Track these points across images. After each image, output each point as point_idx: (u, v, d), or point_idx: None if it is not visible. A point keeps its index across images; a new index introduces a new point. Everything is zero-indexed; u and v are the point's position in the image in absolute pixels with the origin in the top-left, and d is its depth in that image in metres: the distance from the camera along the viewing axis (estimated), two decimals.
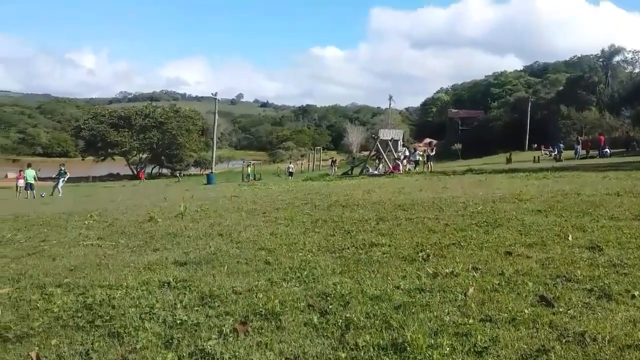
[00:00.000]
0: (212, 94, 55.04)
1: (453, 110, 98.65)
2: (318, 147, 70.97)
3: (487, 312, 3.39)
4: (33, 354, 2.95)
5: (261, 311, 3.59)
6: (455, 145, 70.15)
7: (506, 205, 8.19)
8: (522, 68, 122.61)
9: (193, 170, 79.69)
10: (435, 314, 3.41)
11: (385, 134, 32.85)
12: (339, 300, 3.77)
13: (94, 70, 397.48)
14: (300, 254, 5.44)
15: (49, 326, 3.41)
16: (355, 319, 3.37)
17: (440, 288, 3.97)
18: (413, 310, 3.50)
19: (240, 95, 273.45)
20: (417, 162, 30.93)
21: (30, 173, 26.30)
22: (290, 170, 47.41)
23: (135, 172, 75.46)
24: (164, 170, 78.72)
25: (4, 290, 4.33)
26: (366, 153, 38.13)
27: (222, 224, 7.92)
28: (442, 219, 7.24)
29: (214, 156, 53.68)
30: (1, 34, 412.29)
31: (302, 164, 66.04)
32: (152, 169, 79.90)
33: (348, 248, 5.64)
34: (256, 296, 3.92)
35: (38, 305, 3.86)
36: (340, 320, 3.36)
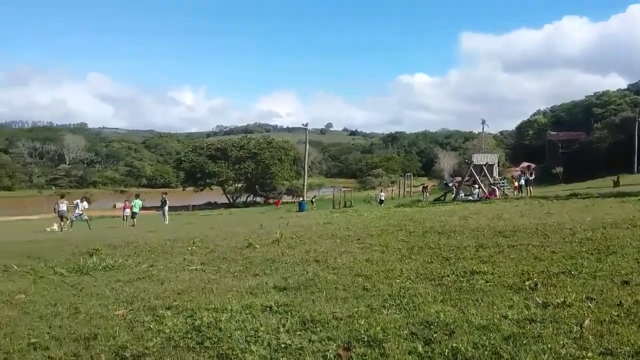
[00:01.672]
0: (302, 124, 56.51)
1: (552, 133, 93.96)
2: (408, 174, 70.07)
3: (606, 345, 3.15)
4: None
5: (363, 337, 3.56)
6: (556, 168, 66.59)
7: (619, 232, 7.62)
8: (626, 87, 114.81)
9: (286, 198, 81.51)
10: (549, 346, 3.22)
11: (480, 159, 31.86)
12: (443, 329, 3.66)
13: (193, 107, 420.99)
14: (398, 281, 5.36)
15: (162, 346, 3.58)
16: (462, 349, 3.25)
17: (553, 319, 3.74)
18: (524, 342, 3.32)
19: (329, 125, 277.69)
20: (520, 187, 29.42)
21: (137, 203, 28.09)
22: (381, 197, 47.05)
23: (231, 201, 78.50)
24: (258, 199, 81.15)
25: (119, 312, 4.61)
26: (459, 179, 37.13)
27: (317, 250, 8.00)
28: (548, 246, 6.86)
29: (306, 184, 54.64)
30: (110, 77, 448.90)
31: (392, 190, 65.43)
32: (247, 197, 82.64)
33: (448, 276, 5.49)
34: (357, 322, 3.90)
35: (151, 326, 4.07)
36: (447, 350, 3.26)
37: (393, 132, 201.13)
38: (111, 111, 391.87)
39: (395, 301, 4.51)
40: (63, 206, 25.54)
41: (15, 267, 8.02)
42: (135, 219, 27.58)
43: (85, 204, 26.92)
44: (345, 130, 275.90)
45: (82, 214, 26.23)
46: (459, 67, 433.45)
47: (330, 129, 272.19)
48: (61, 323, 4.34)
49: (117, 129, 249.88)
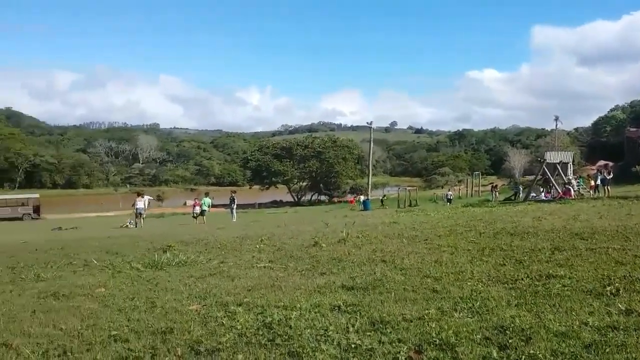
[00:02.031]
0: (367, 122, 56.19)
1: (631, 129, 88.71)
2: (476, 172, 68.27)
3: None
4: None
5: (435, 341, 3.50)
6: (636, 167, 62.92)
7: None
8: None
9: (349, 197, 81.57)
10: (633, 356, 3.04)
11: (553, 157, 30.57)
12: (518, 334, 3.53)
13: (259, 106, 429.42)
14: (469, 284, 5.22)
15: (235, 342, 3.66)
16: (540, 356, 3.12)
17: (637, 327, 3.53)
18: (607, 350, 3.15)
19: (394, 123, 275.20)
20: (597, 186, 27.95)
21: (207, 201, 28.94)
22: (449, 196, 46.17)
23: (296, 200, 79.39)
24: (322, 197, 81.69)
25: (193, 307, 4.75)
26: (531, 177, 35.77)
27: (384, 250, 7.93)
28: (630, 250, 6.49)
29: (370, 183, 54.38)
30: (181, 79, 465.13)
31: (459, 189, 64.01)
32: (312, 195, 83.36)
33: (522, 279, 5.29)
34: (428, 325, 3.83)
35: (223, 322, 4.16)
36: (523, 357, 3.14)
37: (460, 129, 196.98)
38: (181, 112, 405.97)
39: (466, 304, 4.40)
40: (140, 203, 26.66)
41: (95, 262, 8.45)
42: (205, 217, 28.38)
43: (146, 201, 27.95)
44: (410, 128, 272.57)
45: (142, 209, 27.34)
46: (531, 61, 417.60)
47: (395, 127, 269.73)
48: (139, 316, 4.53)
49: (187, 129, 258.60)
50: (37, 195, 62.58)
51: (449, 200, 44.29)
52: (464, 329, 3.70)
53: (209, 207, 29.04)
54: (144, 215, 27.37)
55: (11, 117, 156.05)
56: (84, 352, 3.61)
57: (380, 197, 54.02)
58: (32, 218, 54.68)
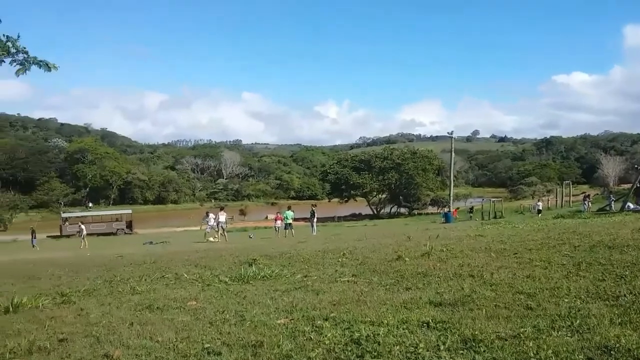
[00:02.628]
0: (447, 132, 55.05)
1: None
2: (567, 182, 64.90)
3: None
4: None
5: None
6: None
7: None
8: None
9: (430, 209, 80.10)
10: None
11: None
12: (625, 355, 3.30)
13: (337, 120, 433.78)
14: (566, 300, 4.93)
15: (324, 357, 3.66)
16: None
17: None
18: None
19: (475, 132, 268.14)
20: None
21: (289, 214, 29.45)
22: (539, 207, 44.25)
23: (375, 212, 78.93)
24: (402, 210, 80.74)
25: (281, 321, 4.81)
26: (627, 186, 33.50)
27: (471, 265, 7.67)
28: None
29: (452, 194, 53.11)
30: (261, 95, 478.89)
31: (548, 200, 61.08)
32: (391, 208, 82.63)
33: (624, 295, 4.93)
34: (524, 344, 3.65)
35: (311, 337, 4.18)
36: None
37: (547, 136, 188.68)
38: (262, 127, 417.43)
39: (565, 322, 4.15)
40: (222, 217, 27.69)
41: (186, 275, 8.79)
42: (292, 230, 28.87)
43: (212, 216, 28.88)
44: (493, 137, 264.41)
45: (214, 225, 28.25)
46: (623, 63, 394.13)
47: (477, 136, 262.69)
48: (229, 330, 4.64)
49: (267, 144, 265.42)
50: (130, 211, 66.43)
51: (539, 211, 42.40)
52: (564, 349, 3.50)
53: (292, 219, 29.53)
54: (208, 229, 28.41)
55: (106, 137, 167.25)
56: None
57: (468, 209, 52.09)
58: (125, 233, 58.03)
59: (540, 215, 37.96)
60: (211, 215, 28.75)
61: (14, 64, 7.61)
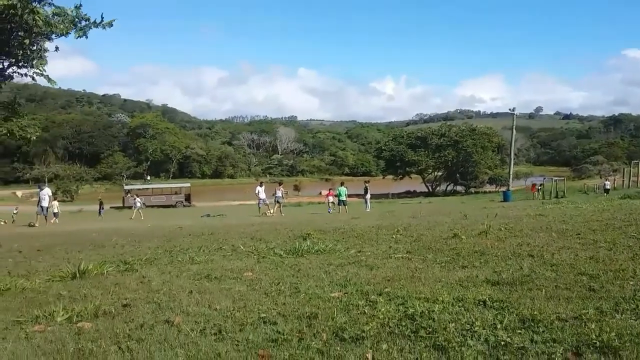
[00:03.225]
0: (509, 109, 53.41)
1: None
2: (635, 161, 61.71)
3: None
4: (369, 355, 3.19)
5: (594, 343, 3.20)
6: None
7: None
8: None
9: (488, 188, 78.28)
10: None
11: None
12: None
13: (393, 96, 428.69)
14: (631, 283, 4.72)
15: (378, 331, 3.66)
16: None
17: None
18: None
19: (539, 109, 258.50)
20: None
21: (343, 190, 29.47)
22: (607, 186, 42.66)
23: (430, 190, 77.88)
24: (458, 188, 79.31)
25: (335, 294, 4.84)
26: None
27: (530, 244, 7.45)
28: None
29: (511, 172, 51.64)
30: (317, 72, 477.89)
31: (614, 180, 58.34)
32: (447, 186, 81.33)
33: None
34: (586, 326, 3.52)
35: (365, 311, 4.18)
36: None
37: (616, 114, 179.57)
38: (317, 103, 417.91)
39: (629, 305, 3.97)
40: (279, 192, 28.19)
41: (242, 247, 8.98)
42: (346, 206, 28.97)
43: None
44: (557, 113, 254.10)
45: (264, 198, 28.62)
46: None
47: (540, 112, 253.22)
48: (284, 301, 4.72)
49: (322, 120, 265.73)
50: (188, 185, 68.42)
51: (606, 191, 40.91)
52: (628, 332, 3.35)
53: (345, 196, 29.55)
54: (261, 205, 28.77)
55: (166, 112, 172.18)
56: (237, 332, 3.84)
57: (538, 185, 49.80)
58: (183, 205, 59.86)
59: (607, 194, 36.50)
60: (260, 189, 29.10)
61: (77, 33, 8.03)
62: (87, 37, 9.02)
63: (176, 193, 63.49)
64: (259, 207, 29.06)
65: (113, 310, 4.66)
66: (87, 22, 8.28)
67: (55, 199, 36.66)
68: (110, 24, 8.50)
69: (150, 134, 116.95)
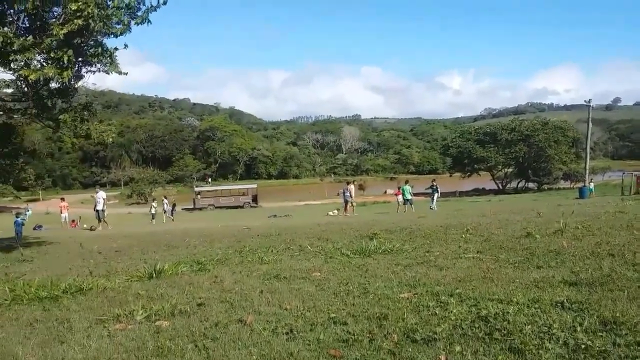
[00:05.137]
0: (584, 101, 50.74)
1: None
2: None
3: None
4: (442, 358, 3.15)
5: None
6: None
7: None
8: None
9: (562, 184, 74.95)
10: None
11: None
12: None
13: (460, 91, 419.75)
14: None
15: (450, 333, 3.60)
16: None
17: None
18: None
19: (617, 99, 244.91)
20: None
21: (407, 189, 29.09)
22: None
23: (500, 187, 75.48)
24: (530, 185, 76.38)
25: (404, 295, 4.79)
26: None
27: (610, 243, 7.08)
28: None
29: (587, 168, 49.25)
30: (381, 69, 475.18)
31: None
32: (518, 183, 78.56)
33: None
34: None
35: (436, 312, 4.12)
36: None
37: None
38: (382, 101, 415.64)
39: None
40: (347, 192, 28.05)
41: (309, 247, 9.07)
42: (412, 205, 28.53)
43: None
44: (637, 104, 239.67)
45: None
46: None
47: (619, 104, 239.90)
48: (354, 301, 4.72)
49: (387, 118, 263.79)
50: (255, 186, 69.66)
51: None
52: None
53: (410, 194, 29.10)
54: (353, 203, 28.51)
55: (233, 115, 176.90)
56: (307, 332, 3.89)
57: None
58: (251, 206, 61.01)
59: None
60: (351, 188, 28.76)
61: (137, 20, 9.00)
62: (150, 23, 9.69)
63: (244, 194, 64.83)
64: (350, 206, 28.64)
65: (188, 309, 4.83)
66: (146, 8, 9.12)
67: (153, 200, 38.04)
68: (165, 2, 9.27)
69: (218, 137, 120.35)
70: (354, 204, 28.25)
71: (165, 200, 38.66)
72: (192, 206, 60.16)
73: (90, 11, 8.94)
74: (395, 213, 26.95)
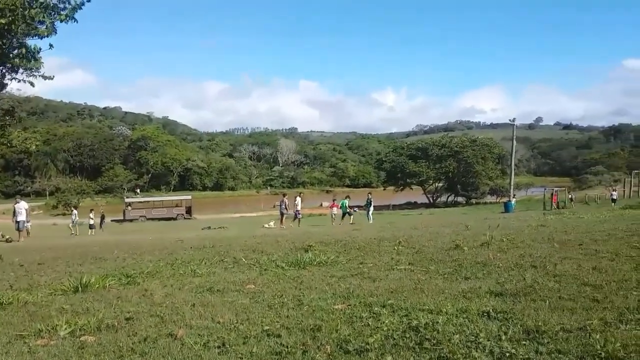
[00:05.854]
0: (509, 120, 53.46)
1: None
2: (636, 171, 61.73)
3: None
4: None
5: (599, 354, 3.20)
6: None
7: None
8: None
9: (489, 199, 78.20)
10: None
11: None
12: None
13: (394, 107, 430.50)
14: (635, 293, 4.71)
15: (382, 343, 3.65)
16: None
17: None
18: None
19: (539, 119, 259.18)
20: None
21: (344, 202, 29.58)
22: (614, 196, 43.03)
23: (431, 201, 77.79)
24: (459, 199, 79.19)
25: (338, 306, 4.83)
26: None
27: (533, 255, 7.44)
28: None
29: (512, 183, 51.64)
30: (318, 83, 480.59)
31: (615, 190, 58.43)
32: (448, 197, 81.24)
33: None
34: (591, 336, 3.51)
35: (369, 322, 4.17)
36: None
37: (616, 124, 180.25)
38: (318, 115, 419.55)
39: (634, 315, 3.97)
40: (283, 205, 28.23)
41: (244, 260, 8.96)
42: (351, 217, 29.01)
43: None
44: (557, 124, 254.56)
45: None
46: None
47: (540, 123, 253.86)
48: (288, 313, 4.71)
49: (323, 131, 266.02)
50: (189, 197, 68.35)
51: (614, 200, 41.35)
52: (633, 342, 3.34)
53: (347, 208, 29.67)
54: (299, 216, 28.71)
55: (167, 125, 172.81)
56: (240, 345, 3.83)
57: (569, 197, 48.99)
58: (184, 218, 59.79)
59: (614, 204, 36.65)
60: (299, 199, 28.94)
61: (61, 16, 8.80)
62: (76, 22, 9.40)
63: (177, 205, 63.46)
64: (298, 219, 28.73)
65: (116, 324, 4.65)
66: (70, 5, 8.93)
67: (91, 211, 36.43)
68: None
69: (151, 147, 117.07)
70: (300, 216, 28.43)
71: (91, 214, 37.12)
72: (122, 218, 58.14)
73: (14, 9, 8.53)
74: (331, 226, 27.19)
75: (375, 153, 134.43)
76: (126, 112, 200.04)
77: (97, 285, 6.72)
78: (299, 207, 28.45)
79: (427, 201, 79.36)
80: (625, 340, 3.40)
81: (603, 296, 4.66)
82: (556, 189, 56.54)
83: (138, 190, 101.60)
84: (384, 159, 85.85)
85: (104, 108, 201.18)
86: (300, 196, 29.69)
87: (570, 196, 48.64)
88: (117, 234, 30.92)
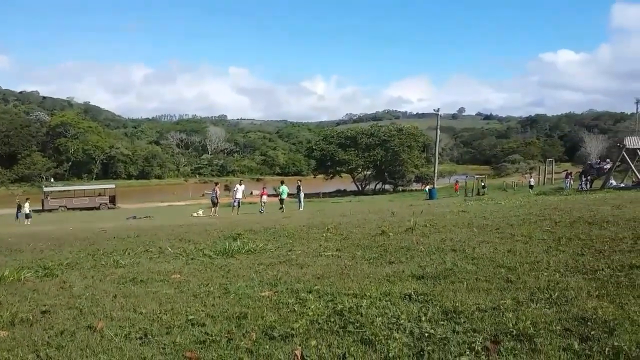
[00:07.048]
0: (434, 110, 55.29)
1: None
2: (550, 159, 65.55)
3: None
4: (298, 352, 3.23)
5: (511, 331, 3.40)
6: None
7: None
8: None
9: (415, 186, 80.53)
10: None
11: (633, 142, 28.89)
12: (601, 326, 3.37)
13: (324, 96, 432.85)
14: (545, 274, 5.02)
15: (307, 328, 3.70)
16: (625, 348, 2.97)
17: None
18: None
19: (461, 109, 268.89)
20: None
21: (284, 189, 29.55)
22: (531, 182, 45.63)
23: (360, 189, 79.15)
24: (387, 186, 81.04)
25: (265, 294, 4.84)
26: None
27: (453, 239, 7.76)
28: None
29: (436, 171, 53.39)
30: (248, 70, 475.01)
31: (531, 177, 61.90)
32: (376, 185, 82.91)
33: (602, 269, 5.04)
34: (504, 315, 3.72)
35: (295, 308, 4.22)
36: (607, 349, 3.00)
37: (532, 115, 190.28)
38: (248, 102, 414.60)
39: (544, 295, 4.24)
40: (214, 193, 27.90)
41: (170, 249, 8.78)
42: (283, 205, 29.00)
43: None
44: (479, 114, 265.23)
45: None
46: (611, 41, 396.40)
47: (463, 113, 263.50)
48: (214, 302, 4.67)
49: (253, 119, 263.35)
50: (113, 186, 65.83)
51: (531, 186, 43.87)
52: (542, 320, 3.57)
53: (287, 195, 29.78)
54: (235, 204, 28.47)
55: (89, 111, 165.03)
56: (163, 335, 3.77)
57: (480, 185, 51.15)
58: (108, 207, 57.60)
59: (532, 190, 38.76)
60: (239, 188, 28.93)
61: None
62: None
63: (100, 195, 60.96)
64: (236, 207, 28.26)
65: (31, 318, 4.44)
66: None
67: (27, 200, 34.41)
68: None
69: (71, 134, 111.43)
70: (236, 204, 28.03)
71: (26, 203, 35.34)
72: (40, 208, 55.17)
73: None
74: (260, 214, 27.08)
75: (305, 141, 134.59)
76: (44, 97, 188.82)
77: (11, 278, 6.37)
78: (239, 195, 28.17)
79: (356, 189, 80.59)
80: (535, 318, 3.62)
81: (516, 277, 4.94)
82: (478, 176, 59.05)
83: (52, 179, 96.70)
84: (314, 147, 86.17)
85: (20, 92, 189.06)
86: (240, 184, 29.48)
87: (482, 184, 51.10)
88: (35, 224, 29.35)
